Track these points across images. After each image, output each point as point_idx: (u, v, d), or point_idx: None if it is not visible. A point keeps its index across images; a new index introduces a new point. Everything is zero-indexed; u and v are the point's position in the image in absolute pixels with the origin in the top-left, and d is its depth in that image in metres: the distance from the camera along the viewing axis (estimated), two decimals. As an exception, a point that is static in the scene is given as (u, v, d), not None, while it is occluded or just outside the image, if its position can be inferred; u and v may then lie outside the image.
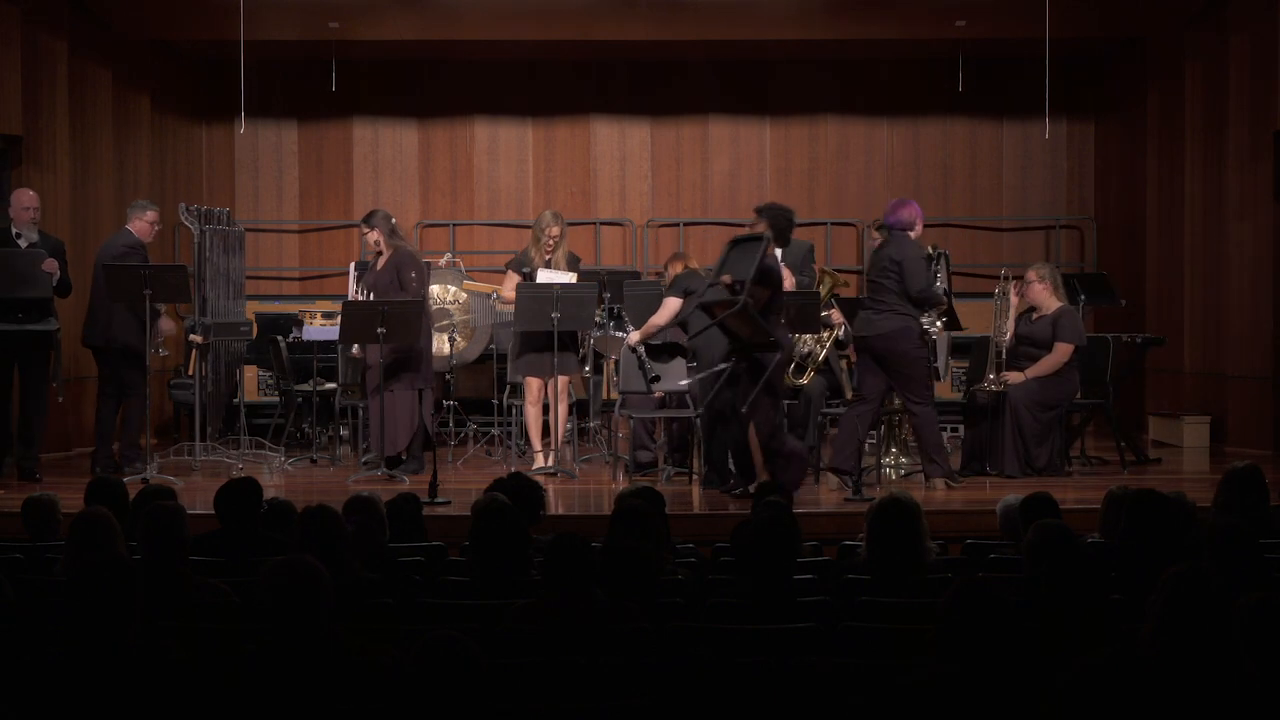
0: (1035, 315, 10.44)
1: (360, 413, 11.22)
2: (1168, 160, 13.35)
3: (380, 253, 10.48)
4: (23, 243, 10.17)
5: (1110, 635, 4.41)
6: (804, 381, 10.34)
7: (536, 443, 10.58)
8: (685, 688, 4.12)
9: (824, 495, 9.42)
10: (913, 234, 9.54)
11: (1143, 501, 5.91)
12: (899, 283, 9.31)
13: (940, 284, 9.50)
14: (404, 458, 10.33)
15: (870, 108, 14.90)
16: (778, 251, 11.87)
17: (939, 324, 9.56)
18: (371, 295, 10.29)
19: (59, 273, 10.12)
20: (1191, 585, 3.84)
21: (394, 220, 10.63)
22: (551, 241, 10.79)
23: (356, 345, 10.40)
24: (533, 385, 10.57)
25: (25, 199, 10.34)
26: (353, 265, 12.16)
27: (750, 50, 14.31)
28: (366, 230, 10.52)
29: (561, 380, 10.47)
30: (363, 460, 10.82)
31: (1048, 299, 10.37)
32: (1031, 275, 10.43)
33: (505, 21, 12.92)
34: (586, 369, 11.22)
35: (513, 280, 10.66)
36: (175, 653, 4.17)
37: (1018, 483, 9.62)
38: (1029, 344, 10.34)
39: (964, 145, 14.95)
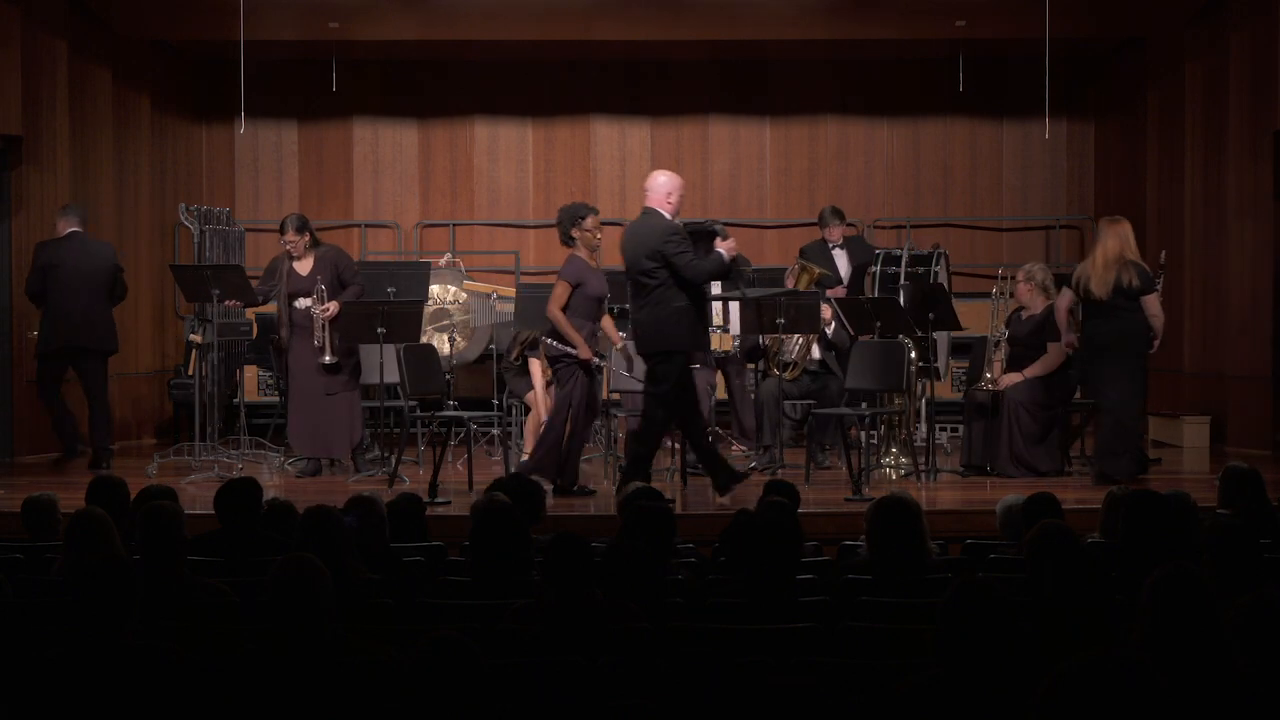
0: (1024, 315, 10.46)
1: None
2: (1168, 160, 13.34)
3: (298, 257, 10.32)
4: None
5: (1111, 636, 4.41)
6: (789, 377, 10.59)
7: (529, 443, 10.58)
8: (685, 688, 4.11)
9: (823, 495, 9.42)
10: None
11: (1143, 501, 5.92)
12: None
13: None
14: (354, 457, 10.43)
15: (870, 108, 14.88)
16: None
17: None
18: (310, 302, 10.18)
19: None
20: (1178, 586, 3.83)
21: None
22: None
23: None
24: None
25: None
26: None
27: (750, 50, 14.30)
28: (294, 236, 10.24)
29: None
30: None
31: (1034, 299, 10.39)
32: (1020, 275, 10.47)
33: (505, 21, 12.91)
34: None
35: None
36: (175, 653, 4.17)
37: (1018, 483, 9.61)
38: (1019, 344, 10.36)
39: (964, 145, 14.93)
